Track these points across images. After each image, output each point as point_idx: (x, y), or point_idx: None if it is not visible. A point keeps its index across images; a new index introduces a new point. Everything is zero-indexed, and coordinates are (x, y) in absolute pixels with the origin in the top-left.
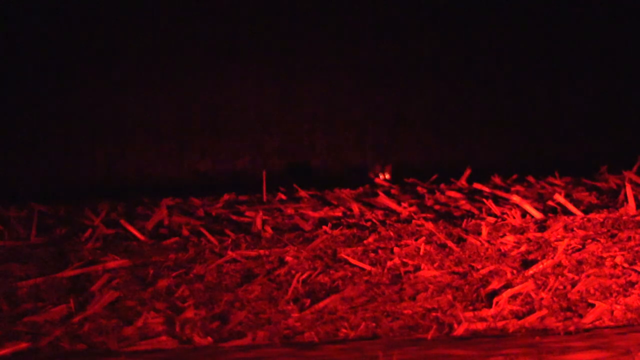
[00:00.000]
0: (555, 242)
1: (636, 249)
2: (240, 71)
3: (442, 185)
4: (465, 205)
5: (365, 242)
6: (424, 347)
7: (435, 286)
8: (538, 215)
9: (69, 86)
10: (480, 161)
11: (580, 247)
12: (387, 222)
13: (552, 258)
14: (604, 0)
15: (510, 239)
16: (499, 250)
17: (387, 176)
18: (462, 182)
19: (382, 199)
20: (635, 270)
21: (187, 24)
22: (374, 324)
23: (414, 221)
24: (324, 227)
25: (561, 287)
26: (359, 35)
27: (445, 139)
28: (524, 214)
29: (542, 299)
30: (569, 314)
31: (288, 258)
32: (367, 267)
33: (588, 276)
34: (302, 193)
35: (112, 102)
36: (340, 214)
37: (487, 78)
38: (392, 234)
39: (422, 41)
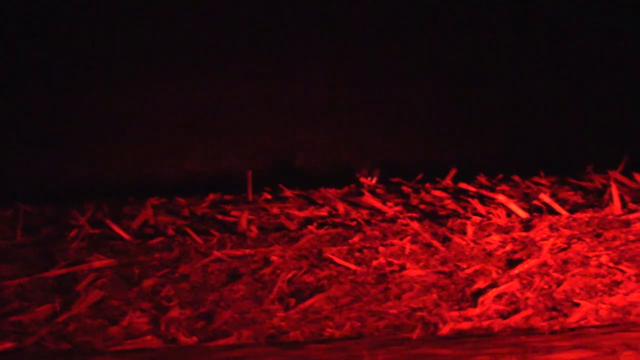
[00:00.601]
0: (541, 242)
1: (621, 248)
2: (226, 71)
3: (428, 185)
4: (450, 204)
5: (350, 241)
6: (410, 347)
7: (420, 286)
8: (523, 214)
9: (54, 87)
10: (466, 161)
11: (566, 246)
12: (373, 221)
13: (538, 257)
14: (592, 3)
15: (495, 238)
16: (485, 249)
17: (374, 181)
18: (448, 181)
19: (368, 198)
20: (621, 270)
21: (174, 26)
22: (359, 324)
23: (399, 221)
24: (310, 227)
25: (546, 286)
26: (345, 36)
27: (431, 138)
28: (510, 213)
29: (527, 298)
30: (554, 313)
31: (273, 257)
32: (353, 267)
33: (573, 276)
34: (288, 193)
35: (99, 103)
36: (325, 214)
37: (472, 78)
38: (377, 233)
39: (408, 43)
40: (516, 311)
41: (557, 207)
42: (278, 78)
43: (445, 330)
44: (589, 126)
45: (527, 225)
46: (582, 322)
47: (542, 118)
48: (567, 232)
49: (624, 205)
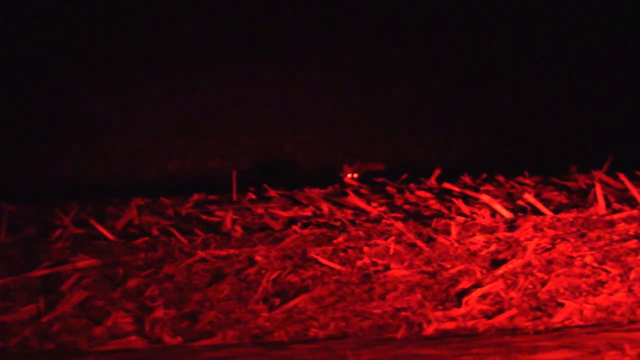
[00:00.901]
0: (525, 242)
1: (605, 248)
2: (209, 71)
3: (412, 185)
4: (434, 204)
5: (334, 241)
6: (394, 347)
7: (404, 286)
8: (508, 214)
9: (37, 86)
10: (450, 161)
11: (550, 246)
12: (357, 221)
13: (522, 257)
14: (572, 5)
15: (479, 238)
16: (469, 249)
17: (356, 175)
18: (432, 181)
19: (352, 198)
20: (605, 270)
21: (155, 25)
22: (343, 324)
23: (383, 221)
24: (294, 227)
25: (531, 286)
26: (328, 35)
27: (415, 138)
28: (494, 213)
29: (511, 298)
30: (538, 313)
31: (258, 257)
32: (337, 267)
33: (557, 276)
34: (272, 192)
35: (83, 102)
36: (309, 214)
37: (456, 78)
38: (361, 233)
39: (391, 42)
40: (500, 311)
41: (541, 207)
42: (260, 78)
43: (429, 330)
44: (573, 126)
45: (511, 226)
46: (567, 322)
47: (527, 118)
48: (551, 232)
49: (608, 205)
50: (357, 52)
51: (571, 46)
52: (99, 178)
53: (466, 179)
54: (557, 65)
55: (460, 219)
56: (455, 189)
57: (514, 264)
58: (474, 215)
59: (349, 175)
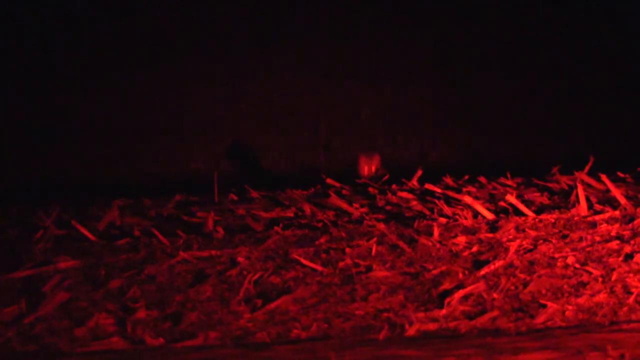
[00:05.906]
0: (507, 243)
1: (587, 249)
2: (191, 72)
3: (394, 186)
4: (416, 205)
5: (316, 242)
6: (376, 348)
7: (387, 287)
8: (490, 215)
9: (16, 86)
10: (432, 162)
11: (532, 247)
12: (339, 222)
13: (504, 258)
14: (558, 6)
15: (462, 239)
16: (451, 250)
17: (373, 169)
18: (414, 182)
19: (334, 199)
20: (587, 271)
21: (136, 25)
22: (325, 325)
23: (365, 222)
24: (276, 228)
25: (513, 287)
26: (310, 36)
27: (397, 139)
28: (476, 214)
29: (493, 299)
30: (520, 314)
31: (240, 259)
32: (319, 268)
33: (540, 277)
34: (254, 194)
35: (63, 103)
36: (292, 215)
37: (439, 78)
38: (343, 234)
39: (373, 41)
40: (482, 312)
41: (523, 208)
42: (243, 79)
43: (411, 331)
44: (555, 127)
45: (493, 227)
46: (549, 323)
47: (509, 119)
48: (533, 233)
49: (590, 206)
50: (336, 52)
51: (552, 47)
52: (81, 179)
53: (448, 180)
54: (538, 66)
55: (443, 220)
56: (437, 190)
57: (496, 265)
58: (456, 217)
59: (367, 170)
